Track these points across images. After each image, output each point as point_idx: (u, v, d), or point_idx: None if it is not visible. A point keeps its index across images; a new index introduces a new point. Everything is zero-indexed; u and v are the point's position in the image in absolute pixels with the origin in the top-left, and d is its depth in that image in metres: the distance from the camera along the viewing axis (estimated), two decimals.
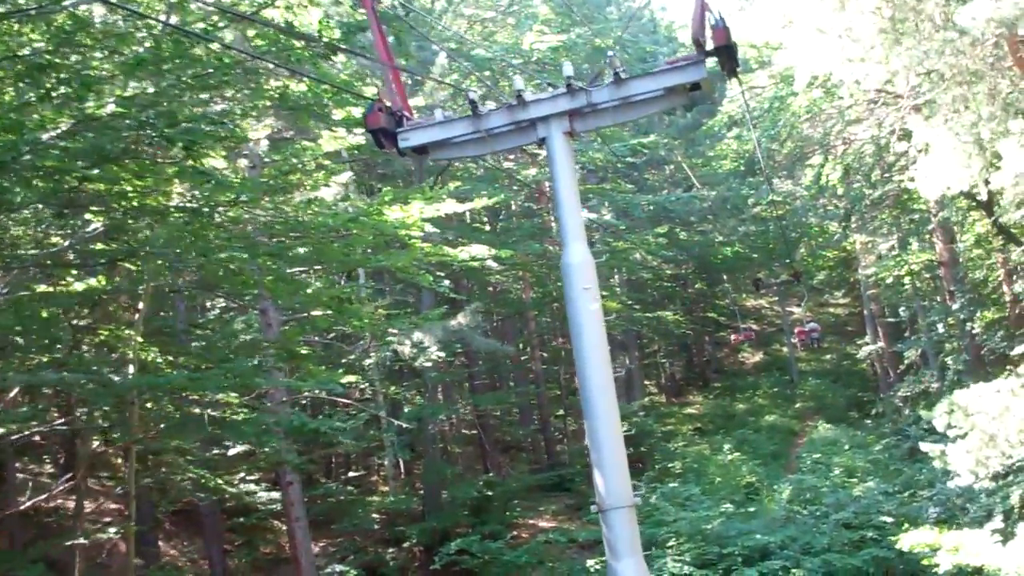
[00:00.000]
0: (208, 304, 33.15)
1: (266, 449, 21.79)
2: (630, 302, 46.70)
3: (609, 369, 10.08)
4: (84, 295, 16.41)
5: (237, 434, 20.45)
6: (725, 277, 63.39)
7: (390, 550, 32.21)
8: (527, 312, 42.46)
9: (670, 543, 26.81)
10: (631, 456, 39.60)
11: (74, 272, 16.66)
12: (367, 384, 33.15)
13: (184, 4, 13.14)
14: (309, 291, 20.20)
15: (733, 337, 54.47)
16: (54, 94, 12.19)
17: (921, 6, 15.00)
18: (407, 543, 32.06)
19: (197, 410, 19.61)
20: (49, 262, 15.21)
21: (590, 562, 27.08)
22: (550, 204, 35.47)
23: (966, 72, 15.83)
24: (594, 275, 10.23)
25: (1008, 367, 31.00)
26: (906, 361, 40.98)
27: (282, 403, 25.44)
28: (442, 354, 29.21)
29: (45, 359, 16.97)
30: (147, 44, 12.72)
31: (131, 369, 17.00)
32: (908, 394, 38.75)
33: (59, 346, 17.45)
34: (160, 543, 29.97)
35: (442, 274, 26.73)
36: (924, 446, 16.30)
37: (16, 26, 12.32)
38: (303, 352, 22.30)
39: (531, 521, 35.63)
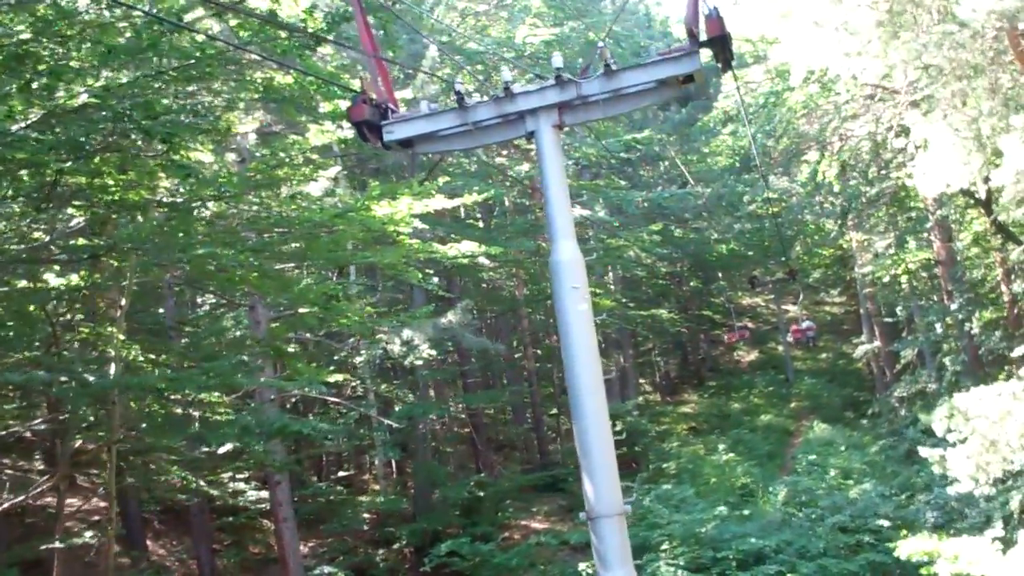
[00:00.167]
0: (199, 300, 32.85)
1: (252, 449, 21.39)
2: (624, 300, 46.40)
3: (599, 371, 9.74)
4: (65, 291, 16.02)
5: (218, 435, 20.02)
6: (720, 275, 63.25)
7: (380, 551, 31.93)
8: (520, 309, 42.13)
9: (663, 547, 26.51)
10: (625, 456, 39.69)
11: (56, 268, 16.31)
12: (358, 382, 32.85)
13: None
14: (299, 287, 19.84)
15: (728, 336, 54.13)
16: (34, 85, 11.84)
17: None
18: (397, 544, 31.77)
19: (179, 410, 19.23)
20: (24, 257, 14.79)
21: (582, 565, 26.76)
22: (542, 200, 35.13)
23: (966, 66, 15.51)
24: (584, 273, 9.86)
25: (1006, 368, 30.79)
26: (903, 361, 40.70)
27: (270, 401, 25.14)
28: (433, 352, 28.88)
29: (24, 356, 16.59)
30: (128, 34, 12.38)
31: (113, 367, 16.60)
32: (905, 394, 38.46)
33: (37, 343, 17.07)
34: (148, 542, 29.69)
35: (431, 271, 26.40)
36: (923, 451, 15.95)
37: None
38: (290, 350, 21.90)
39: (523, 522, 35.30)
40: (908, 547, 19.28)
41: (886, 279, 39.55)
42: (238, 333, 26.23)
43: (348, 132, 19.52)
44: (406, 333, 25.73)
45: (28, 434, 24.33)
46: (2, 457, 24.77)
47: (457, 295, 34.90)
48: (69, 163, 12.03)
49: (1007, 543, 18.08)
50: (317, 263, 21.59)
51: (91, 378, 15.70)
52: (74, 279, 15.98)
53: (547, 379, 47.27)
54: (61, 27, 12.25)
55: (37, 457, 28.97)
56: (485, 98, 10.45)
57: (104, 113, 11.48)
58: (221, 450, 24.94)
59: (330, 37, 13.78)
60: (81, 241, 15.83)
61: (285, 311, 24.06)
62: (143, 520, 29.04)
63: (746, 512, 29.76)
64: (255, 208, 15.60)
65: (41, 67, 11.80)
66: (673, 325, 54.67)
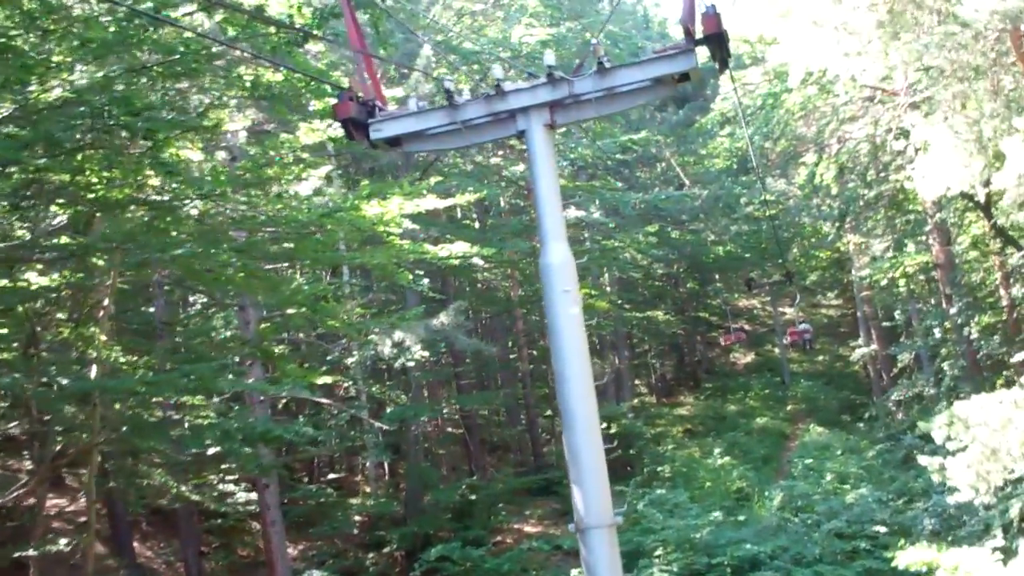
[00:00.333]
0: (191, 299, 32.53)
1: (237, 453, 21.04)
2: (620, 301, 46.14)
3: (590, 376, 9.44)
4: (48, 291, 15.69)
5: (198, 440, 19.64)
6: (717, 277, 63.08)
7: (370, 554, 31.59)
8: (515, 310, 41.88)
9: (657, 553, 26.21)
10: (619, 459, 39.38)
11: (39, 267, 15.99)
12: (350, 383, 32.57)
13: None
14: (291, 287, 19.55)
15: (724, 338, 54.03)
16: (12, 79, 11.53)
17: None
18: (388, 548, 31.43)
19: (160, 413, 18.89)
20: (3, 257, 14.46)
21: (574, 572, 26.42)
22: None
23: (967, 68, 15.25)
24: (575, 276, 9.57)
25: (1004, 372, 30.53)
26: (899, 364, 40.48)
27: (260, 403, 24.83)
28: (426, 353, 28.59)
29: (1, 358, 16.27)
30: (112, 29, 12.06)
31: (94, 369, 16.27)
32: (902, 398, 38.24)
33: (16, 344, 16.73)
34: (135, 544, 29.36)
35: (420, 272, 26.08)
36: (923, 459, 15.65)
37: None
38: (280, 351, 21.57)
39: (516, 526, 34.99)
40: (907, 557, 19.03)
41: (884, 282, 39.27)
42: (228, 333, 25.93)
43: (339, 131, 19.16)
44: (397, 335, 25.43)
45: (17, 432, 24.01)
46: None
47: (445, 297, 34.68)
48: (44, 160, 11.67)
49: (1007, 553, 17.82)
50: (305, 263, 21.24)
51: (65, 381, 15.37)
52: (56, 278, 15.65)
53: (542, 380, 46.98)
54: (45, 21, 11.96)
55: (26, 456, 28.69)
56: (475, 96, 10.18)
57: (82, 109, 11.15)
58: (211, 451, 24.69)
59: (318, 33, 13.47)
60: (64, 239, 15.50)
61: (274, 312, 23.73)
62: (130, 522, 28.68)
63: (741, 517, 29.47)
64: (241, 207, 15.24)
65: (19, 62, 11.51)
66: (669, 327, 54.47)
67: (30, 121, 12.01)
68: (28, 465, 28.16)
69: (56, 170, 12.77)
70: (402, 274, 19.76)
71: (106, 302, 16.41)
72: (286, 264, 21.60)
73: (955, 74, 15.22)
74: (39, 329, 16.91)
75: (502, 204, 41.74)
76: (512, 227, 36.57)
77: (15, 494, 18.35)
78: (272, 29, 12.60)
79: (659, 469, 37.65)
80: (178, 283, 20.33)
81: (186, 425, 20.45)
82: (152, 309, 26.77)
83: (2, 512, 22.77)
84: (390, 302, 35.51)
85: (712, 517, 28.36)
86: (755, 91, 36.12)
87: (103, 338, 16.14)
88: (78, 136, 11.87)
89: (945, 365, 32.92)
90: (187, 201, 15.09)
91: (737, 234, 52.40)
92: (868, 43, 15.36)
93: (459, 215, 42.10)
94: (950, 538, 22.86)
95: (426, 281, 26.36)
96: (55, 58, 12.00)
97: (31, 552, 17.87)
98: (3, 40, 11.56)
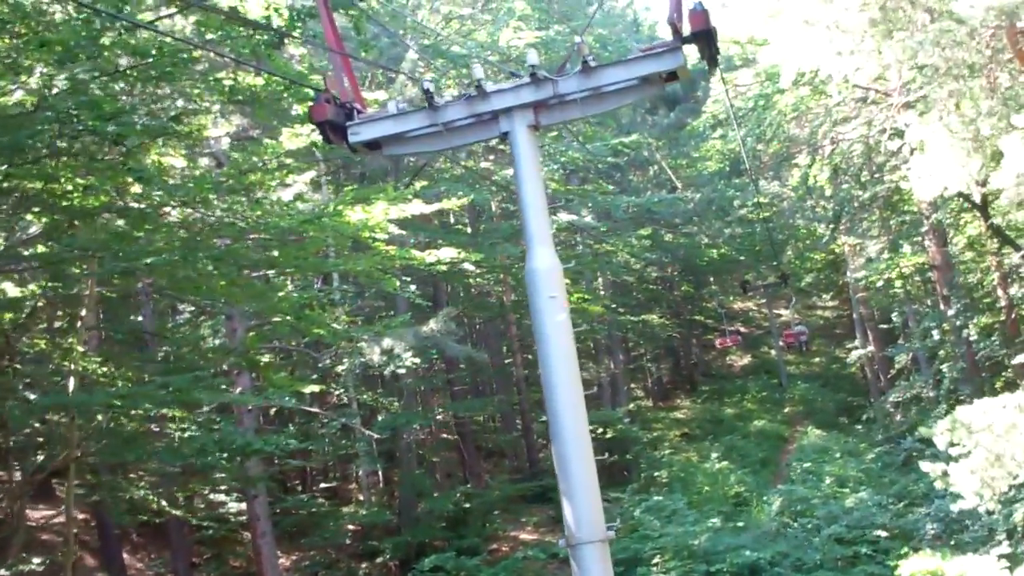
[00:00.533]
0: (180, 308, 32.20)
1: (221, 465, 20.65)
2: (614, 305, 45.84)
3: (579, 385, 9.13)
4: (22, 302, 15.33)
5: (175, 454, 19.21)
6: (712, 279, 62.82)
7: (363, 564, 31.29)
8: (508, 315, 41.55)
9: (655, 560, 25.88)
10: (616, 464, 39.06)
11: (15, 276, 15.64)
12: (341, 391, 32.25)
13: None
14: (271, 296, 19.17)
15: (719, 341, 53.71)
16: None
17: None
18: (381, 557, 31.07)
19: (139, 426, 18.48)
20: None
21: None
22: None
23: (963, 65, 14.93)
24: (562, 282, 9.29)
25: (1003, 374, 30.26)
26: (897, 366, 40.21)
27: (248, 412, 24.45)
28: (417, 360, 28.24)
29: None
30: (81, 32, 11.70)
31: (72, 382, 15.88)
32: (900, 400, 37.93)
33: None
34: (125, 556, 28.98)
35: (408, 279, 25.72)
36: (924, 466, 15.25)
37: None
38: (265, 360, 21.20)
39: (512, 533, 34.65)
40: (911, 566, 18.69)
41: (880, 284, 39.01)
42: (216, 342, 25.58)
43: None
44: (386, 342, 25.06)
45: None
46: None
47: (445, 301, 34.37)
48: (6, 167, 11.29)
49: (1014, 560, 17.46)
50: (288, 270, 20.84)
51: (33, 396, 14.98)
52: (32, 288, 15.29)
53: (537, 385, 46.39)
54: (16, 25, 11.62)
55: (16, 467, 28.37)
56: (456, 97, 9.87)
57: (48, 113, 10.77)
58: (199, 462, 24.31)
59: (295, 34, 13.13)
60: (40, 248, 15.15)
61: (262, 320, 23.36)
62: (120, 533, 28.29)
63: (740, 523, 29.17)
64: (218, 214, 14.86)
65: None
66: (664, 330, 54.17)
67: None
68: (17, 476, 27.92)
69: (26, 177, 12.39)
70: (389, 281, 19.41)
71: (84, 312, 16.04)
72: (273, 272, 21.13)
73: (950, 72, 14.89)
74: (14, 341, 16.53)
75: (493, 208, 41.40)
76: (503, 232, 36.25)
77: None
78: (248, 31, 12.22)
79: (656, 474, 37.34)
80: (159, 292, 19.89)
81: (167, 438, 20.03)
82: (140, 319, 26.44)
83: None
84: (380, 309, 35.16)
85: (710, 523, 28.01)
86: (747, 93, 35.82)
87: (80, 349, 15.77)
88: (43, 142, 11.45)
89: (944, 367, 32.60)
90: (167, 208, 14.77)
91: (731, 237, 52.18)
92: (861, 41, 15.04)
93: (452, 220, 41.82)
94: (952, 542, 22.58)
95: (413, 287, 25.96)
96: (28, 62, 11.67)
97: (2, 572, 17.45)
98: None
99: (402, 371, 28.81)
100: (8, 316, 15.76)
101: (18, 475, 26.89)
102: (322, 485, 37.42)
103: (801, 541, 26.17)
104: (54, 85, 10.88)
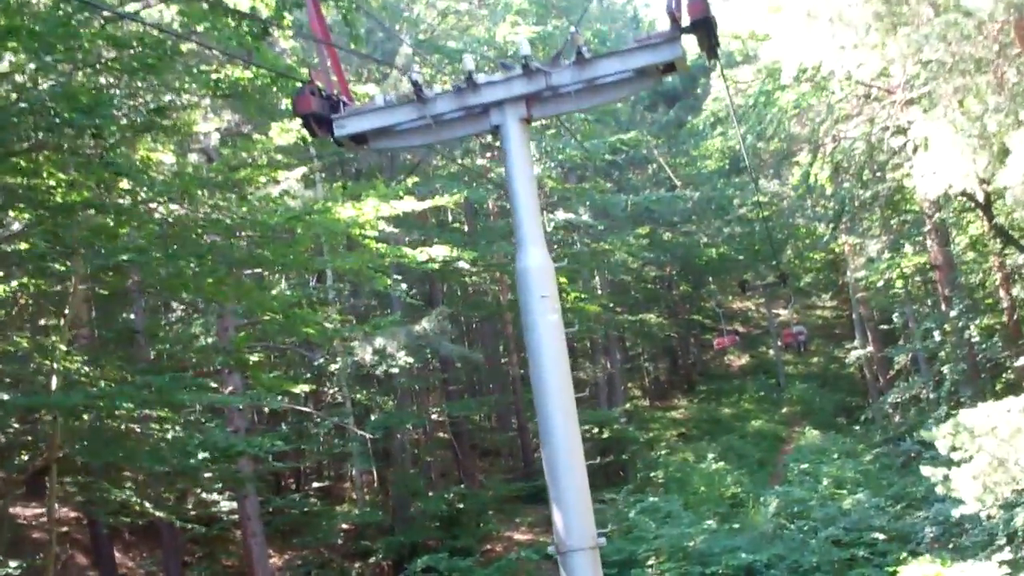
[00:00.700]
0: (173, 306, 31.85)
1: (198, 467, 20.25)
2: (612, 304, 45.53)
3: (570, 389, 8.84)
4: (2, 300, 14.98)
5: (154, 456, 18.78)
6: (710, 279, 62.52)
7: (356, 564, 31.00)
8: (504, 314, 41.25)
9: (650, 562, 25.56)
10: (612, 465, 38.72)
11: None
12: (336, 390, 31.93)
13: None
14: (263, 293, 18.84)
15: (717, 341, 53.40)
16: None
17: None
18: (374, 557, 30.75)
19: (122, 426, 18.09)
20: None
21: None
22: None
23: (969, 60, 14.60)
24: (554, 282, 8.94)
25: (1004, 376, 29.93)
26: (896, 366, 39.89)
27: (239, 411, 24.10)
28: (410, 360, 27.90)
29: None
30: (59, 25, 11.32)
31: (54, 381, 15.50)
32: (899, 401, 37.61)
33: None
34: (117, 554, 28.68)
35: (399, 277, 25.34)
36: (925, 470, 14.95)
37: None
38: (256, 359, 20.83)
39: (506, 533, 34.35)
40: (911, 572, 18.33)
41: (880, 284, 38.68)
42: (210, 340, 25.21)
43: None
44: (378, 341, 24.70)
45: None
46: None
47: (441, 300, 34.02)
48: None
49: (1015, 567, 17.12)
50: (276, 268, 20.46)
51: (5, 396, 14.61)
52: (14, 286, 14.93)
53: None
54: None
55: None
56: (445, 89, 9.51)
57: (23, 105, 10.40)
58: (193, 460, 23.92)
59: (281, 24, 12.75)
60: (23, 245, 14.77)
61: (254, 319, 23.00)
62: (111, 532, 27.97)
63: (736, 525, 28.88)
64: (204, 210, 14.48)
65: None
66: (662, 330, 53.89)
67: None
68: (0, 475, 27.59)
69: (7, 172, 12.01)
70: (380, 279, 19.02)
71: (67, 310, 15.68)
72: (264, 269, 20.77)
73: (957, 67, 14.58)
74: None
75: (490, 207, 41.08)
76: (500, 230, 35.95)
77: None
78: (234, 20, 11.84)
79: (652, 475, 37.11)
80: (147, 289, 19.53)
81: (149, 439, 19.64)
82: (132, 316, 26.09)
83: None
84: (375, 308, 34.83)
85: (706, 525, 27.75)
86: (747, 89, 35.46)
87: (63, 348, 15.41)
88: (20, 136, 11.07)
89: (945, 369, 32.24)
90: (152, 204, 14.40)
91: (730, 236, 51.96)
92: (865, 35, 14.72)
93: (450, 219, 41.50)
94: (951, 545, 22.26)
95: (404, 286, 25.61)
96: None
97: None
98: None
99: (395, 371, 28.47)
100: None
101: (1, 474, 26.80)
102: (316, 484, 37.10)
103: (798, 543, 25.83)
104: (23, 73, 10.50)
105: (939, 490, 14.85)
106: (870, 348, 44.97)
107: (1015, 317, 28.27)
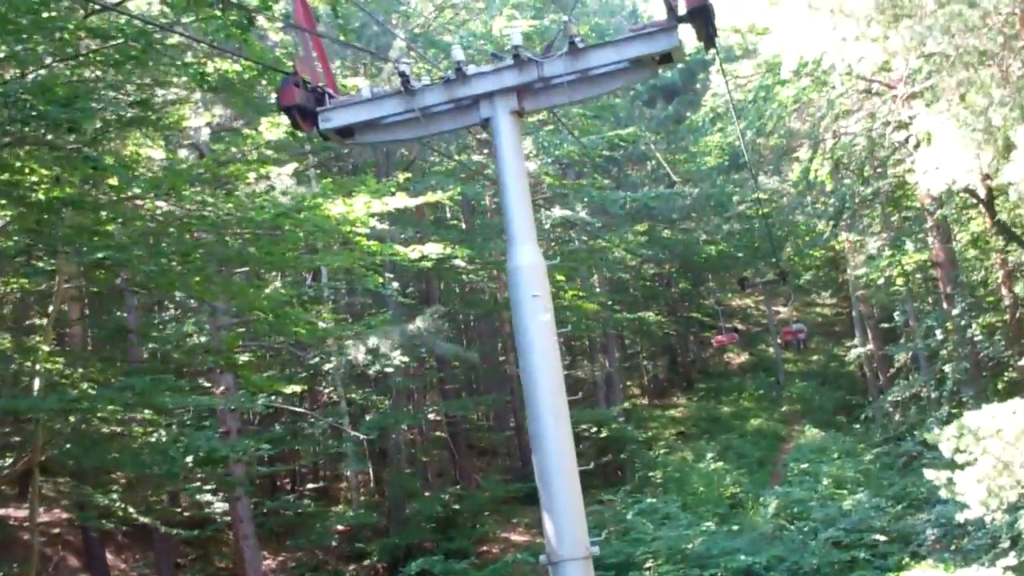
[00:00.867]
0: (167, 305, 31.52)
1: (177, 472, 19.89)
2: (610, 302, 45.22)
3: (562, 390, 8.55)
4: None
5: (135, 460, 18.40)
6: (710, 276, 62.23)
7: (351, 566, 30.75)
8: (501, 312, 40.94)
9: (647, 564, 25.27)
10: (610, 464, 38.36)
11: None
12: (331, 389, 31.63)
13: None
14: (262, 292, 18.50)
15: (715, 339, 53.09)
16: None
17: None
18: (368, 560, 30.48)
19: (107, 429, 17.76)
20: None
21: None
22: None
23: (974, 53, 14.25)
24: (545, 280, 8.63)
25: (1006, 376, 29.62)
26: (896, 365, 39.59)
27: (231, 412, 23.76)
28: (405, 359, 27.56)
29: None
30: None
31: (36, 383, 15.15)
32: (899, 399, 37.29)
33: None
34: (109, 556, 28.40)
35: (391, 275, 24.99)
36: (928, 473, 14.61)
37: None
38: (249, 359, 20.48)
39: (503, 535, 34.08)
40: None
41: (880, 281, 38.36)
42: (203, 339, 24.88)
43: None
44: (372, 340, 24.36)
45: None
46: None
47: (438, 299, 33.71)
48: None
49: (1020, 572, 16.77)
50: (263, 266, 20.08)
51: None
52: None
53: None
54: None
55: None
56: (434, 80, 9.19)
57: None
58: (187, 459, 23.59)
59: (267, 13, 12.41)
60: (8, 243, 14.44)
61: (240, 318, 22.65)
62: (104, 534, 27.68)
63: (735, 526, 28.51)
64: (190, 207, 14.12)
65: None
66: (661, 328, 53.59)
67: None
68: None
69: None
70: (372, 277, 18.67)
71: (51, 309, 15.34)
72: (250, 268, 20.40)
73: (960, 59, 14.24)
74: None
75: (487, 203, 40.75)
76: (496, 227, 35.63)
77: None
78: (217, 7, 11.48)
79: (650, 475, 36.80)
80: (136, 287, 19.15)
81: (136, 442, 19.29)
82: (125, 315, 25.77)
83: None
84: (370, 307, 34.47)
85: (705, 526, 27.45)
86: (747, 85, 35.14)
87: (46, 348, 15.06)
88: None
89: (947, 367, 31.90)
90: (139, 201, 14.06)
91: (729, 233, 51.64)
92: (867, 27, 14.36)
93: (448, 216, 41.19)
94: (953, 547, 21.96)
95: (396, 285, 25.27)
96: None
97: None
98: None
99: (390, 370, 28.14)
100: None
101: None
102: (311, 485, 36.82)
103: (798, 545, 25.52)
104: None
105: (943, 494, 14.54)
106: (870, 346, 44.70)
107: (1017, 315, 27.94)
